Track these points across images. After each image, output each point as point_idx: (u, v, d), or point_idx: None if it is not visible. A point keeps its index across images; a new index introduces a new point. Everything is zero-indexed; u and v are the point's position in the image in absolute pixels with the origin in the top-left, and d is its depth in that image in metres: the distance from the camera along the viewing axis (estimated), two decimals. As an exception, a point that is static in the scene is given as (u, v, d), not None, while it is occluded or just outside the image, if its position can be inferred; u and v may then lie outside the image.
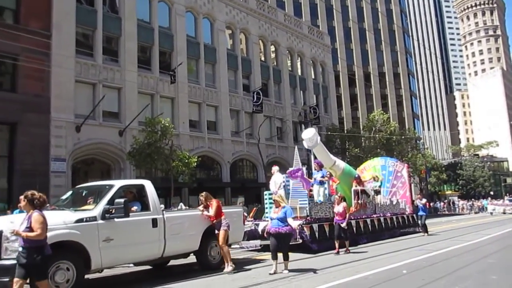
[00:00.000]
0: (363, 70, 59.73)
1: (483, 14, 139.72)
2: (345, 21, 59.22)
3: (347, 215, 12.72)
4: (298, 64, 43.54)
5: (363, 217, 16.46)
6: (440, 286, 7.21)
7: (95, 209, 7.65)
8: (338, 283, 7.84)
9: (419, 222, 19.32)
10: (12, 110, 20.98)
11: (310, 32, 45.91)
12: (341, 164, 17.42)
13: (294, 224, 11.65)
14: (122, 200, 7.71)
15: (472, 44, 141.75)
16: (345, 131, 44.99)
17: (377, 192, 19.34)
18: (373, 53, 61.34)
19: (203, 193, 9.93)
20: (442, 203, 58.90)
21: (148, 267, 10.48)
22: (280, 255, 9.20)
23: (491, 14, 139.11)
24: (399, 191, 20.86)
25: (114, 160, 26.39)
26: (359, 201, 16.46)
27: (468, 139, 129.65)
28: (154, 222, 8.47)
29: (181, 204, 19.39)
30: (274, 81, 39.27)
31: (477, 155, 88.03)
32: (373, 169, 21.37)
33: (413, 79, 71.45)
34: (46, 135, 22.63)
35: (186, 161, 23.87)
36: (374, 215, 17.26)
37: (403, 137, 45.59)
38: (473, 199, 61.13)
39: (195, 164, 24.86)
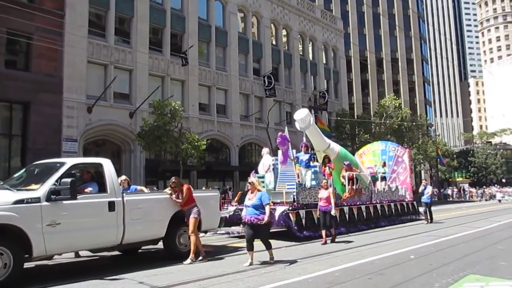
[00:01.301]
0: (376, 56, 58.32)
1: (502, 0, 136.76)
2: (359, 5, 57.86)
3: (333, 201, 11.45)
4: (310, 48, 42.54)
5: (358, 203, 15.32)
6: (448, 271, 7.14)
7: (40, 189, 6.73)
8: (344, 267, 7.69)
9: (420, 209, 18.32)
10: (26, 89, 20.90)
11: (323, 16, 44.75)
12: (336, 147, 16.28)
13: (279, 210, 10.60)
14: (68, 180, 6.76)
15: (489, 30, 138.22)
16: (356, 117, 44.74)
17: (383, 178, 18.36)
18: (386, 38, 59.69)
19: (174, 178, 8.94)
20: (448, 190, 58.44)
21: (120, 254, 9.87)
22: (257, 245, 8.39)
23: (510, 0, 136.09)
24: (399, 177, 19.71)
25: (125, 142, 26.47)
26: (354, 187, 15.31)
27: (481, 127, 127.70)
28: (111, 206, 7.51)
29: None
30: (284, 66, 38.49)
31: (490, 142, 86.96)
32: (372, 153, 20.30)
33: (427, 65, 69.45)
34: (58, 115, 22.60)
35: (195, 144, 23.90)
36: (369, 202, 16.15)
37: (414, 123, 45.26)
38: (484, 186, 60.81)
39: (204, 147, 24.92)
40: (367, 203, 16.01)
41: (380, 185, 17.97)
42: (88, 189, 7.64)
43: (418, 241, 11.30)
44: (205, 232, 9.97)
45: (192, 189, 8.96)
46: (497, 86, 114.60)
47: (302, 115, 14.33)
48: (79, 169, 7.99)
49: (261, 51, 36.17)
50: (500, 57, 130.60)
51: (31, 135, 21.59)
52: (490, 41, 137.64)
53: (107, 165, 7.97)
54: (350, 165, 16.05)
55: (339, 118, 39.42)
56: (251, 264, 8.03)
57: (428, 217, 17.26)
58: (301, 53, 41.01)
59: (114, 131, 25.81)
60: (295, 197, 12.55)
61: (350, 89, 52.33)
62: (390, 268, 7.65)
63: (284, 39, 39.66)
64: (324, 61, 44.18)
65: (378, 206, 16.58)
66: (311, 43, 42.65)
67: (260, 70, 35.76)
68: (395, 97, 44.47)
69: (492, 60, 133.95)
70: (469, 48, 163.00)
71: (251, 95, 34.61)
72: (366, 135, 38.72)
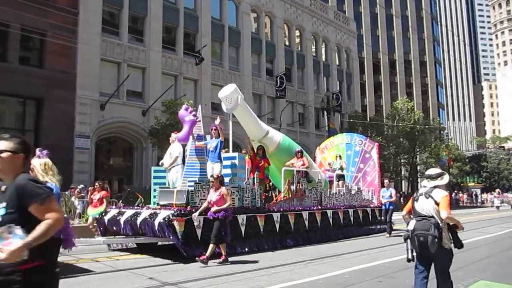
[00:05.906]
0: (389, 58, 58.00)
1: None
2: (372, 6, 57.64)
3: (226, 205, 8.22)
4: (323, 49, 42.52)
5: (296, 209, 11.71)
6: (459, 276, 6.98)
7: None
8: (354, 269, 7.73)
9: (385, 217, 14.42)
10: (39, 86, 21.16)
11: (336, 17, 44.71)
12: (277, 136, 12.88)
13: (161, 216, 8.63)
14: None
15: (503, 33, 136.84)
16: (368, 119, 44.49)
17: (340, 177, 14.82)
18: (399, 40, 59.37)
19: None
20: (459, 194, 57.74)
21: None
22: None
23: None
24: (366, 177, 16.39)
25: (137, 140, 26.63)
26: (293, 187, 12.23)
27: (494, 131, 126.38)
28: None
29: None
30: (297, 66, 38.52)
31: (503, 147, 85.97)
32: (336, 148, 17.25)
33: (440, 68, 68.86)
34: (71, 112, 22.82)
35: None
36: (316, 207, 12.51)
37: (426, 126, 44.82)
38: (493, 192, 60.00)
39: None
40: (313, 208, 12.41)
41: (336, 185, 14.60)
42: None
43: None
44: None
45: None
46: (510, 90, 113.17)
47: (227, 92, 11.15)
48: None
49: (274, 52, 36.13)
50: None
51: (43, 130, 21.81)
52: (503, 43, 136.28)
53: None
54: (303, 152, 12.99)
55: (351, 120, 39.19)
56: None
57: (389, 227, 13.91)
58: (314, 54, 40.90)
59: (126, 128, 25.94)
60: (187, 198, 9.25)
61: (363, 91, 52.03)
62: (400, 271, 7.53)
63: (297, 40, 39.59)
64: (337, 63, 44.03)
65: (329, 212, 12.86)
66: (324, 44, 42.51)
67: (273, 71, 35.75)
68: (407, 99, 44.02)
69: (506, 63, 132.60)
70: (483, 50, 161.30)
71: (264, 95, 34.58)
72: (378, 138, 38.44)
